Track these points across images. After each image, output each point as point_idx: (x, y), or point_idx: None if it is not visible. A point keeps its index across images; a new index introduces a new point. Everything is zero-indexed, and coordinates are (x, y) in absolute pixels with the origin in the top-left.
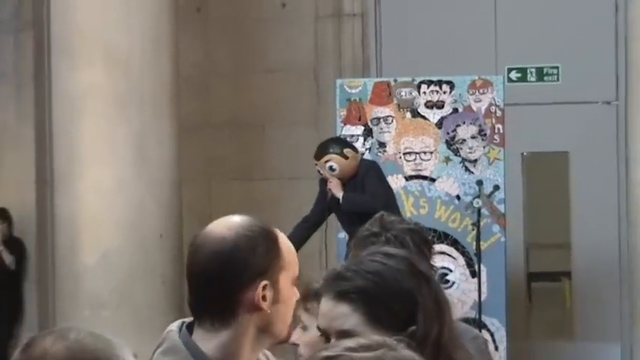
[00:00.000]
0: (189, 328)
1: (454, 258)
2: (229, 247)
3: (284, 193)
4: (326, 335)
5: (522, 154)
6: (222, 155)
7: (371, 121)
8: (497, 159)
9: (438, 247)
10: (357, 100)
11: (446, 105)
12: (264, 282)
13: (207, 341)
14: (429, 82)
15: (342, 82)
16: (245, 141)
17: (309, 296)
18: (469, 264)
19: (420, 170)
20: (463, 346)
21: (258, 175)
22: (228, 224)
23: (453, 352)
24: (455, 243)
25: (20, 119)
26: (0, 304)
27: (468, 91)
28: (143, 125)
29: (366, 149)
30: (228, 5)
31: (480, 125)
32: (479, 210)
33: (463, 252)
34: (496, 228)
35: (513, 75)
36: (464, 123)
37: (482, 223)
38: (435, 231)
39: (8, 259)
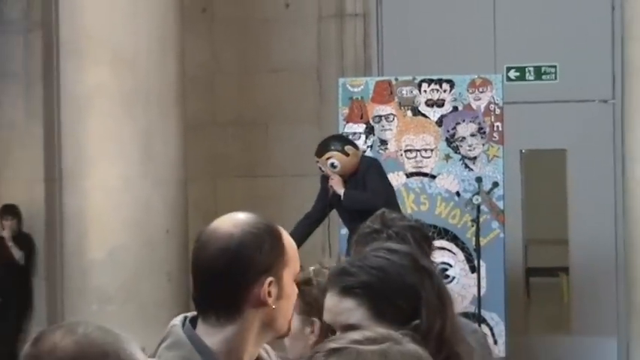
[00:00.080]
0: (193, 322)
1: (454, 253)
2: (236, 245)
3: (287, 191)
4: (330, 329)
5: (521, 151)
6: (226, 153)
7: (373, 119)
8: (497, 156)
9: (438, 242)
10: (359, 98)
11: (446, 103)
12: (270, 278)
13: (212, 336)
14: (430, 81)
15: (344, 81)
16: (249, 139)
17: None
18: (469, 259)
19: (420, 167)
20: (465, 340)
21: (262, 173)
22: (234, 221)
23: (456, 345)
24: (455, 239)
25: (29, 118)
26: (9, 299)
27: (468, 90)
28: (149, 124)
29: (368, 147)
30: (232, 6)
31: (479, 123)
32: (478, 206)
33: (463, 248)
34: (495, 224)
35: (512, 74)
36: (464, 121)
37: (481, 220)
38: (435, 227)
39: (17, 254)
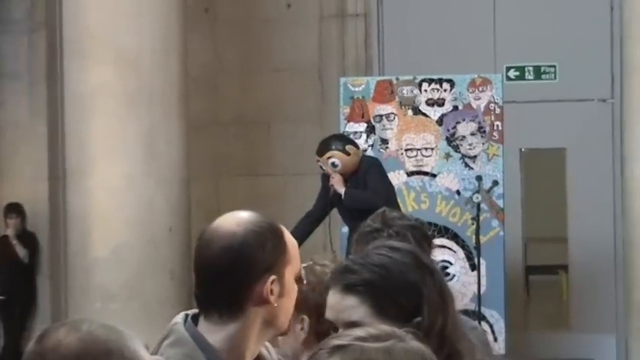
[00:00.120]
0: (194, 320)
1: (454, 251)
2: (238, 243)
3: (288, 189)
4: (334, 326)
5: (520, 150)
6: (229, 152)
7: (373, 118)
8: (496, 155)
9: (438, 240)
10: (360, 98)
11: (446, 103)
12: (272, 277)
13: (214, 333)
14: (430, 81)
15: (345, 80)
16: (251, 139)
17: None
18: (469, 257)
19: (421, 166)
20: (466, 337)
21: (264, 172)
22: (237, 220)
23: (457, 342)
24: (455, 237)
25: (33, 116)
26: (13, 297)
27: (468, 89)
28: (152, 124)
29: (369, 146)
30: (235, 6)
31: (479, 122)
32: (478, 205)
33: (463, 246)
34: (495, 222)
35: (512, 73)
36: (464, 120)
37: (481, 218)
38: (435, 225)
39: (22, 252)
